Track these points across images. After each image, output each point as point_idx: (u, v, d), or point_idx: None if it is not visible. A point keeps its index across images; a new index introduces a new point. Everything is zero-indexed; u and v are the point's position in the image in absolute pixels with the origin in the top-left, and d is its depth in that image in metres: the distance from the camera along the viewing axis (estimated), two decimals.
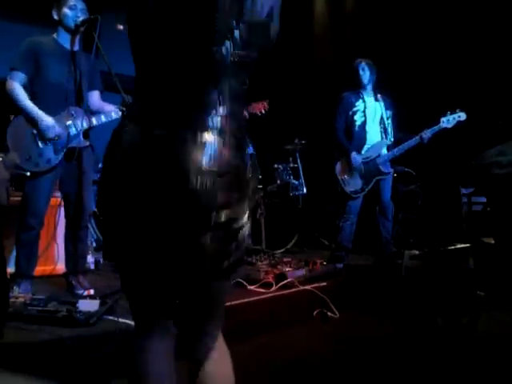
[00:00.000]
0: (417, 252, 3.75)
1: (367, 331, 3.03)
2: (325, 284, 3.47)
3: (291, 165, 5.34)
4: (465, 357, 2.58)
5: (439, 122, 3.89)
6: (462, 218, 3.77)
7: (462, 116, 3.87)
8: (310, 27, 6.43)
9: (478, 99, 4.44)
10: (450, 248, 3.77)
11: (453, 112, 3.88)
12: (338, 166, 4.10)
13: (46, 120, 2.81)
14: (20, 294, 2.72)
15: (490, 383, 2.31)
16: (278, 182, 5.18)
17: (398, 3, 5.21)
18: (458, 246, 3.72)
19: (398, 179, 4.92)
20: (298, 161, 5.32)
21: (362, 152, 4.05)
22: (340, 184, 4.05)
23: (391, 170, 4.12)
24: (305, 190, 5.27)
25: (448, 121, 3.87)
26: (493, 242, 3.02)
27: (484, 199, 3.17)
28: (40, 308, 2.44)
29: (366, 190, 4.04)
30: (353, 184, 4.04)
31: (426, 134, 3.90)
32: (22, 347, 2.15)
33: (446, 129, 3.89)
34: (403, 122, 4.21)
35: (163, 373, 1.18)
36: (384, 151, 4.07)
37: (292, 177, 5.30)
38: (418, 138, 3.92)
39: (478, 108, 4.28)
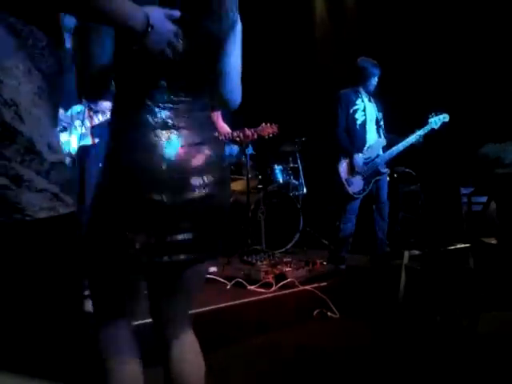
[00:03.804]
0: (417, 252, 3.74)
1: (367, 331, 3.03)
2: (325, 284, 3.47)
3: (291, 165, 5.33)
4: (465, 357, 2.58)
5: (428, 123, 4.02)
6: (462, 218, 3.77)
7: (446, 117, 4.04)
8: (311, 28, 6.43)
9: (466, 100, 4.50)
10: (450, 248, 3.76)
11: (438, 113, 4.03)
12: (343, 167, 4.04)
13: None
14: None
15: (490, 383, 2.31)
16: (279, 181, 5.18)
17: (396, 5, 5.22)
18: (458, 245, 3.72)
19: (398, 179, 4.92)
20: (298, 161, 5.31)
21: (363, 152, 4.04)
22: (343, 185, 4.01)
23: (387, 170, 4.14)
24: (305, 190, 5.27)
25: (435, 122, 4.02)
26: (493, 242, 3.02)
27: (484, 199, 3.17)
28: None
29: (367, 190, 4.04)
30: (356, 185, 4.02)
31: (420, 133, 4.02)
32: (22, 347, 2.15)
33: (433, 130, 4.03)
34: (393, 124, 4.23)
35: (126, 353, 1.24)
36: (381, 151, 4.09)
37: (292, 177, 5.29)
38: (414, 137, 4.02)
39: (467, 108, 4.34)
